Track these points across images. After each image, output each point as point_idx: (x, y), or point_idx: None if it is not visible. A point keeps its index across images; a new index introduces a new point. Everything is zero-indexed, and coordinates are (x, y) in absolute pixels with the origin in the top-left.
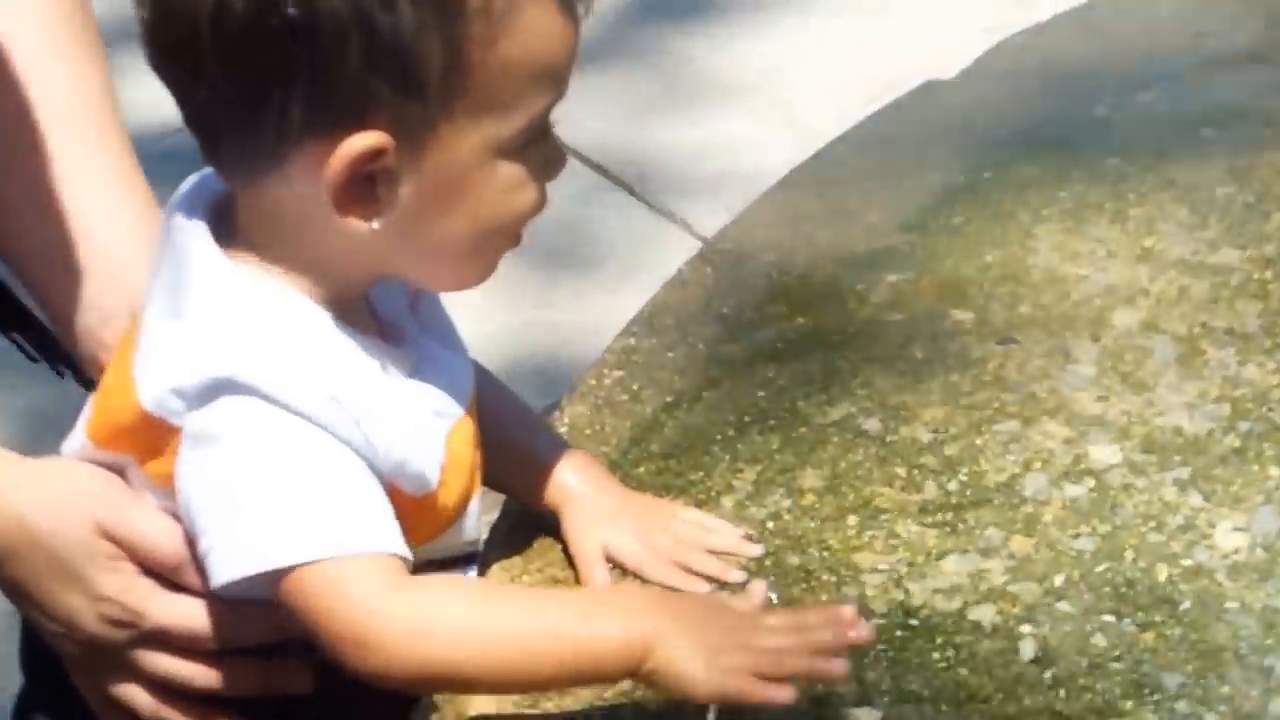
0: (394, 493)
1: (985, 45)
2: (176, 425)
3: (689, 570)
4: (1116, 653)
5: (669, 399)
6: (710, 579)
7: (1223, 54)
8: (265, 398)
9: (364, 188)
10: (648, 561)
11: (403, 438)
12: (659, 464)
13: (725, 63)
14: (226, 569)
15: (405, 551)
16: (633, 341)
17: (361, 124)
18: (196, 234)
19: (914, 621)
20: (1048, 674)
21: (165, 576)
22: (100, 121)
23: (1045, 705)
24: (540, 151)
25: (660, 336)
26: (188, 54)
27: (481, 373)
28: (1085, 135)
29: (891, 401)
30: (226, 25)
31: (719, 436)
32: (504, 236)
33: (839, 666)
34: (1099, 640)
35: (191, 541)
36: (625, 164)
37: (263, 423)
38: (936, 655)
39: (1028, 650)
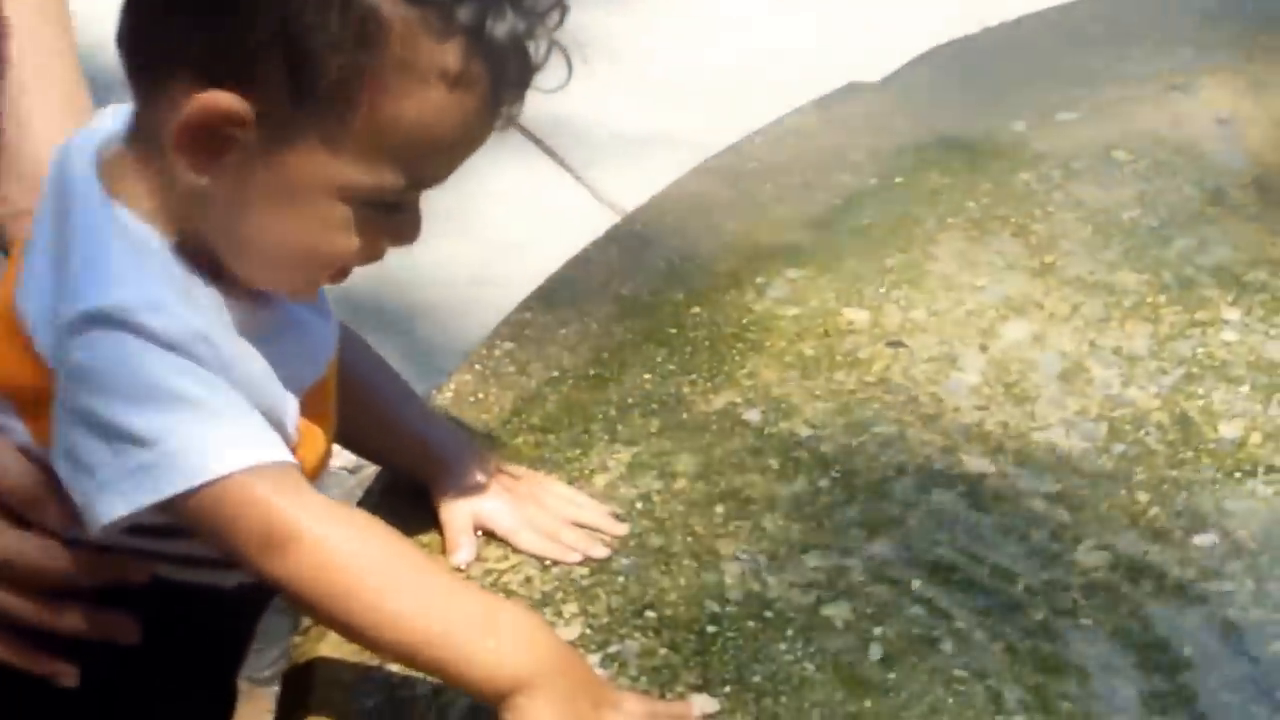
0: None
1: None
2: (50, 364)
3: (558, 542)
4: (963, 661)
5: (555, 374)
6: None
7: (1146, 80)
8: (136, 332)
9: (214, 143)
10: (519, 530)
11: (264, 390)
12: (537, 437)
13: (681, 58)
14: (127, 499)
15: (297, 462)
16: (528, 315)
17: (239, 89)
18: (84, 168)
19: (768, 613)
20: (892, 676)
21: (16, 513)
22: (56, 48)
23: (886, 708)
24: (388, 216)
25: (555, 312)
26: None
27: (357, 343)
28: (1000, 149)
29: (775, 394)
30: None
31: (600, 415)
32: (317, 267)
33: None
34: (947, 647)
35: (51, 483)
36: (573, 148)
37: (137, 355)
38: (784, 648)
39: (875, 652)
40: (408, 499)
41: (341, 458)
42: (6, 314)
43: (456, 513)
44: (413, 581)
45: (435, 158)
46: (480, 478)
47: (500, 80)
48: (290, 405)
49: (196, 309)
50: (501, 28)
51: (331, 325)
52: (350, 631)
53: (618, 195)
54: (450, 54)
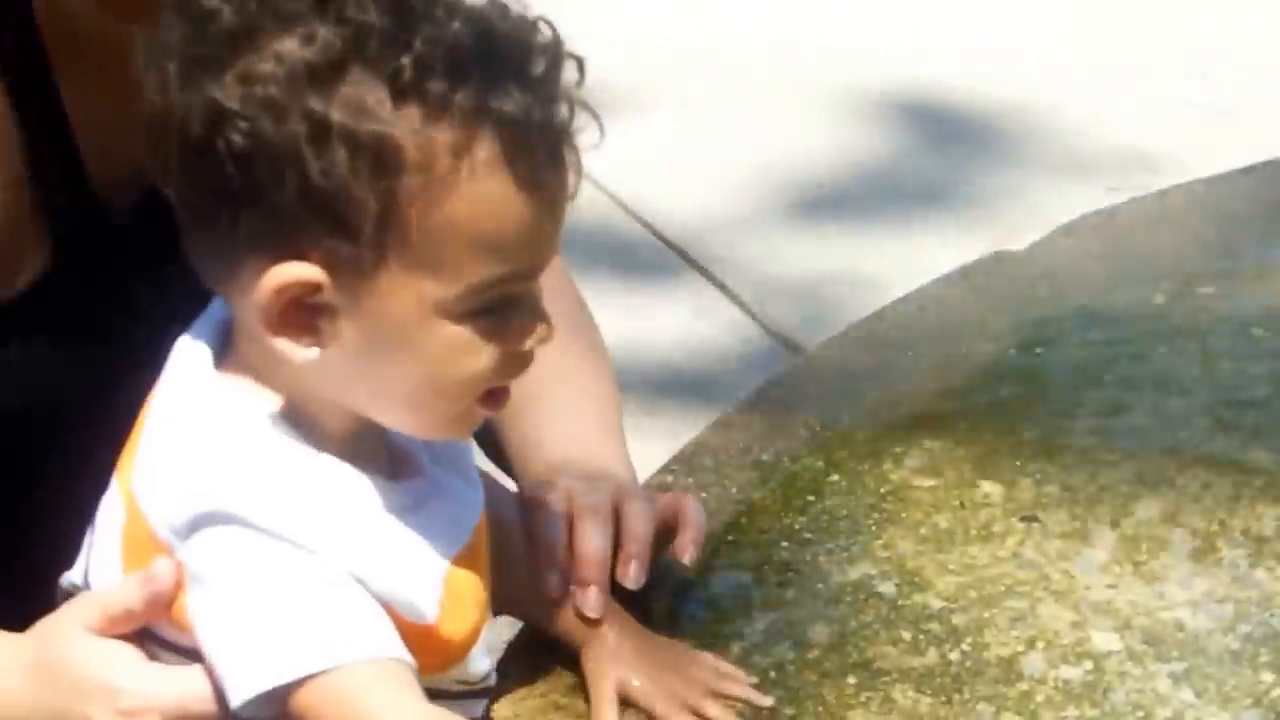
0: (392, 617)
1: (1108, 203)
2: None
3: (697, 714)
4: None
5: None
6: None
7: None
8: (247, 525)
9: (305, 315)
10: (662, 702)
11: (392, 569)
12: (675, 602)
13: (850, 206)
14: (239, 690)
15: (409, 658)
16: (669, 479)
17: (300, 254)
18: (195, 358)
19: None
20: None
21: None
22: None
23: None
24: (504, 319)
25: (696, 475)
26: (162, 154)
27: (504, 496)
28: (1139, 320)
29: (909, 566)
30: (185, 138)
31: (736, 581)
32: (460, 395)
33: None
34: None
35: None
36: (743, 284)
37: (247, 549)
38: None
39: None
40: (544, 654)
41: None
42: (134, 510)
43: (605, 683)
44: None
45: (510, 243)
46: (628, 647)
47: (529, 150)
48: (427, 583)
49: (317, 494)
50: (507, 102)
51: (478, 489)
52: None
53: (790, 328)
54: (466, 144)
